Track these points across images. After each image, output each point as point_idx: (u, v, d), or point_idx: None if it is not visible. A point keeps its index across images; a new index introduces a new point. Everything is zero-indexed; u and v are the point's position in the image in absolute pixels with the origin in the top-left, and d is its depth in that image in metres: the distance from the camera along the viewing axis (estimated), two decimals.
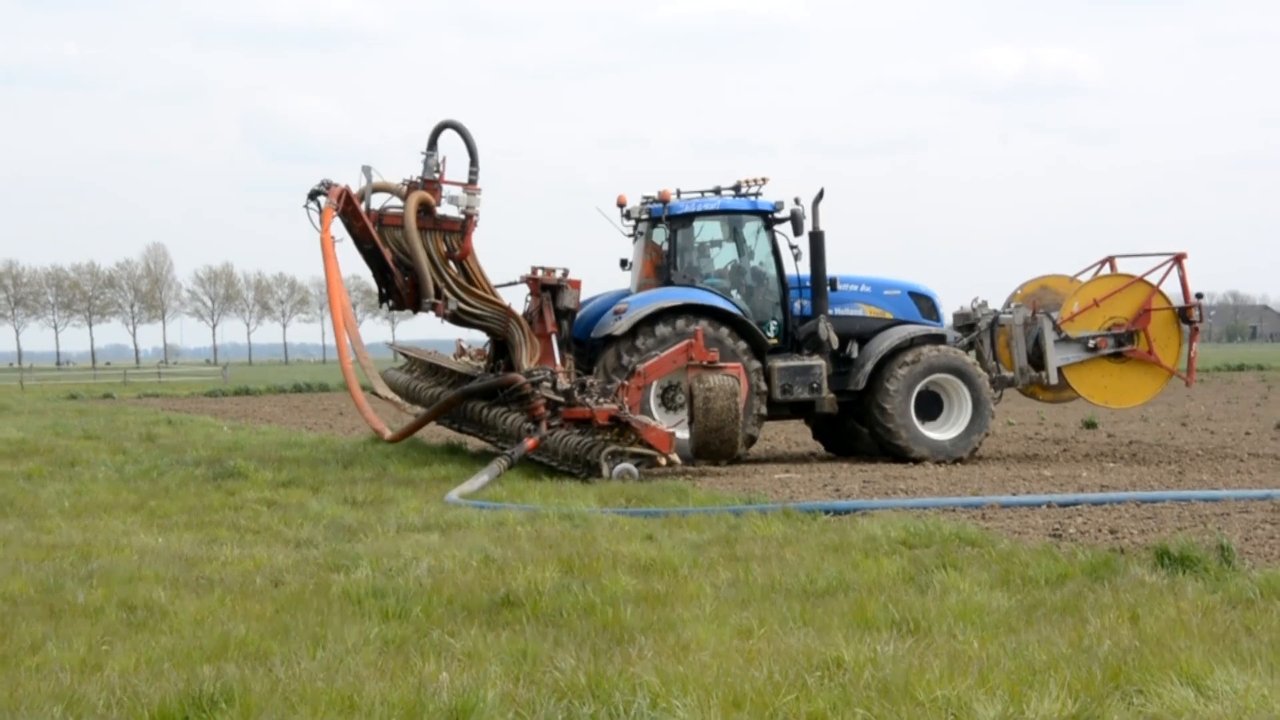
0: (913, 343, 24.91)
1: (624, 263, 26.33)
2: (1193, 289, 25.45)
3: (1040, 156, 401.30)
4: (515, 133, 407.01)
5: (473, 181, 23.73)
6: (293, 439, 30.35)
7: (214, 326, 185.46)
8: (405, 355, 29.45)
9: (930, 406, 24.78)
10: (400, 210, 23.38)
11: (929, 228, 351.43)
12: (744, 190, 25.41)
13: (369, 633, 9.63)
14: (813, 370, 24.63)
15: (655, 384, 23.30)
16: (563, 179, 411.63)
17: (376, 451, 25.03)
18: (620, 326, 23.77)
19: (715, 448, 21.31)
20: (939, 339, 25.28)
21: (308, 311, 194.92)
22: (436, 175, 23.61)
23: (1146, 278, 25.47)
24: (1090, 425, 32.79)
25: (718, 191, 25.56)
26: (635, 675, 8.20)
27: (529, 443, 20.91)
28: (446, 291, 23.38)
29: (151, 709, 7.63)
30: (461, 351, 27.63)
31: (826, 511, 16.17)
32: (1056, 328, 25.08)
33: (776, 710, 7.55)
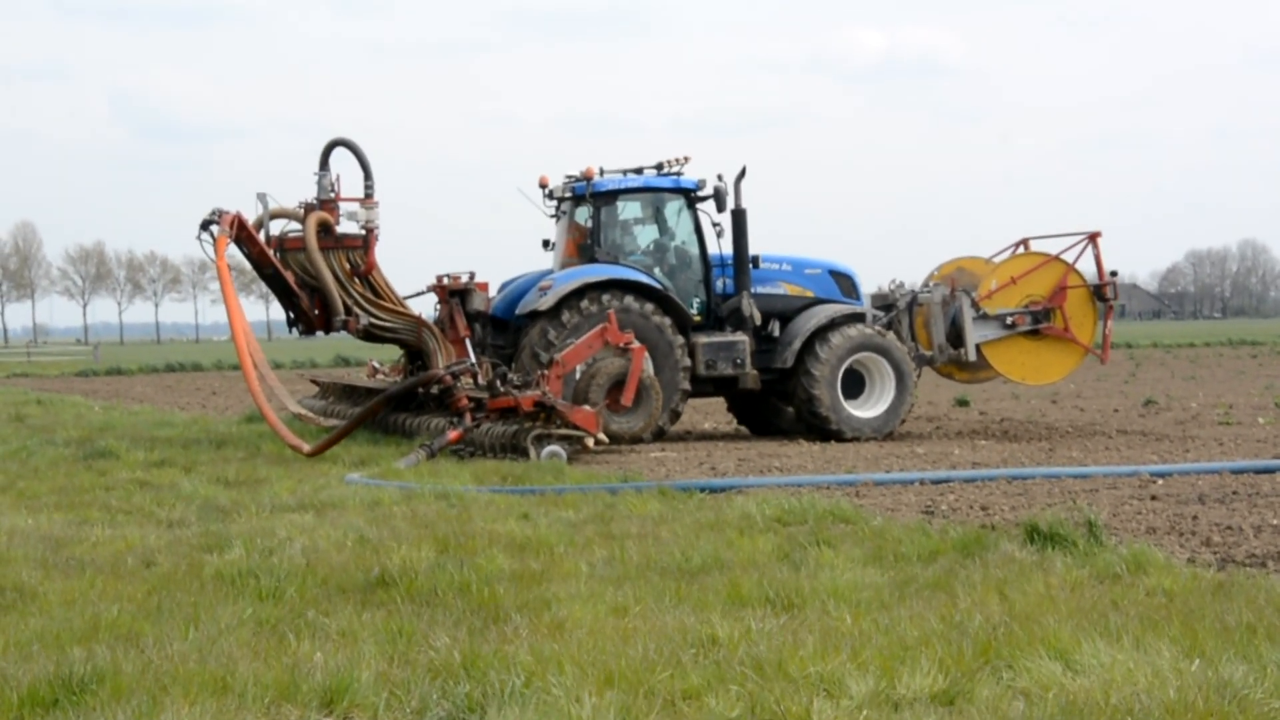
0: (835, 322, 25.08)
1: (546, 243, 26.41)
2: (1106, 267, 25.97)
3: (909, 137, 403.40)
4: (386, 112, 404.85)
5: (369, 196, 23.91)
6: (165, 419, 30.07)
7: (85, 305, 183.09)
8: (317, 383, 29.32)
9: (854, 385, 24.97)
10: (300, 234, 23.37)
11: (800, 207, 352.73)
12: (666, 169, 25.53)
13: (243, 613, 9.54)
14: (736, 346, 24.85)
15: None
16: (432, 157, 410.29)
17: (250, 431, 24.84)
18: (546, 302, 23.84)
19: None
20: (861, 318, 25.47)
21: (180, 290, 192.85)
22: (332, 194, 23.78)
23: (1062, 256, 25.85)
24: (963, 403, 33.16)
25: (640, 171, 25.66)
26: (510, 654, 8.20)
27: (452, 434, 20.61)
28: (356, 309, 23.42)
29: (20, 691, 7.52)
30: (374, 371, 27.45)
31: (702, 490, 16.24)
32: (975, 305, 25.32)
33: (651, 688, 7.57)
